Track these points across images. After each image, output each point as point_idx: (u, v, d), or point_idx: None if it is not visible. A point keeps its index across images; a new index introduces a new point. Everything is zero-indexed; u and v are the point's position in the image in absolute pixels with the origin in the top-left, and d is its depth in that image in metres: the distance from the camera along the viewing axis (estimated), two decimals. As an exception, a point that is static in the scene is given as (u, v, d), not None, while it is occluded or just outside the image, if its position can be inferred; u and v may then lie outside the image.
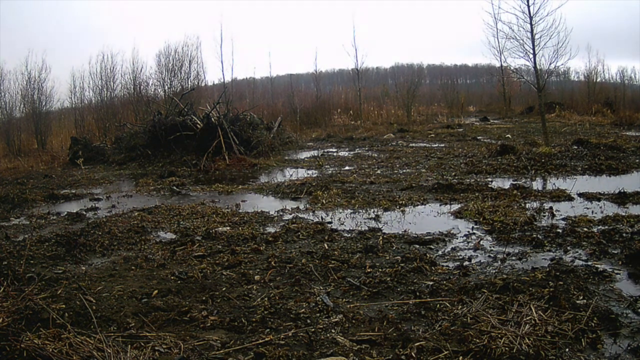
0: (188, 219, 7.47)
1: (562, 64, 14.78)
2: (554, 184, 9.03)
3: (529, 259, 4.99)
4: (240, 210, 8.05)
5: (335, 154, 15.61)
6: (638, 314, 3.65)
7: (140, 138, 15.66)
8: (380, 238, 5.88)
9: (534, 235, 5.70)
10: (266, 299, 4.17)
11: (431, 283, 4.38)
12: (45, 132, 22.70)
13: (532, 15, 13.75)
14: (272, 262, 5.08)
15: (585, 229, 5.87)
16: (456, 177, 10.10)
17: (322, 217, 7.27)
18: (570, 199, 7.73)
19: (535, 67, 14.16)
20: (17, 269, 4.73)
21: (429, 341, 3.30)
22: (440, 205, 7.79)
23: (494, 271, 4.66)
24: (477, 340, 3.25)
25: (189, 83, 23.61)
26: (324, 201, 8.31)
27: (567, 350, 3.16)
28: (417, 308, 3.89)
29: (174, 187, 10.60)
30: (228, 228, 6.75)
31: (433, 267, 4.84)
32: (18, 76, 23.30)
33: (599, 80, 33.44)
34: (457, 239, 5.91)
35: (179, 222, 7.28)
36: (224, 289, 4.46)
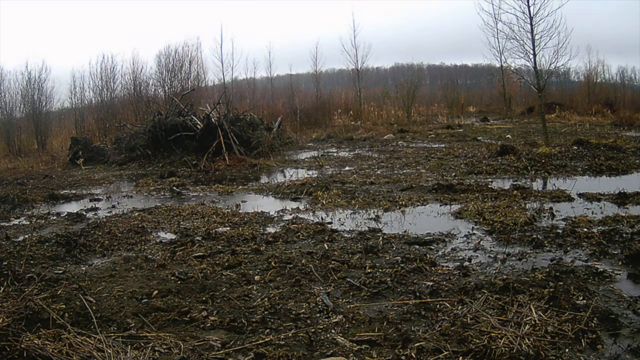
0: (188, 220, 7.47)
1: (562, 65, 14.72)
2: (554, 184, 9.03)
3: (529, 260, 4.99)
4: (241, 211, 8.05)
5: (335, 154, 15.61)
6: (638, 315, 3.64)
7: (140, 138, 15.67)
8: (381, 238, 5.88)
9: (534, 236, 5.70)
10: (266, 299, 4.17)
11: (431, 283, 4.38)
12: (45, 132, 22.74)
13: (532, 15, 13.78)
14: (272, 263, 5.08)
15: (585, 230, 5.87)
16: (456, 178, 10.10)
17: (322, 218, 7.27)
18: (570, 199, 7.73)
19: (535, 67, 14.17)
20: (17, 269, 4.73)
21: (429, 341, 3.30)
22: (440, 205, 7.79)
23: (494, 271, 4.67)
24: (477, 341, 3.25)
25: (189, 83, 23.65)
26: (324, 201, 8.31)
27: (567, 350, 3.16)
28: (417, 308, 3.89)
29: (174, 188, 10.61)
30: (228, 228, 6.76)
31: (433, 268, 4.84)
32: (18, 76, 23.29)
33: (599, 80, 33.47)
34: (457, 239, 5.91)
35: (179, 223, 7.28)
36: (224, 289, 4.46)
